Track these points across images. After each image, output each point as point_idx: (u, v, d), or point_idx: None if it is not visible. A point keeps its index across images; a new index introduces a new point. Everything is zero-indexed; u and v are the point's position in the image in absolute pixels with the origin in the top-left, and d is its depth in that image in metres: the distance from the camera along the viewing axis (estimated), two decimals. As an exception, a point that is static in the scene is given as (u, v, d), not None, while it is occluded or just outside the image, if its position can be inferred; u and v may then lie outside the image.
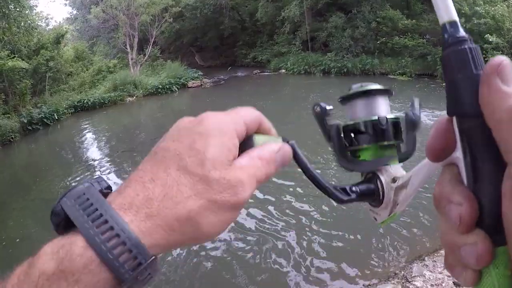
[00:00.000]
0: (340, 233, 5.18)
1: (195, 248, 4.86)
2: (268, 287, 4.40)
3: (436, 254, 4.58)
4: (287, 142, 0.41)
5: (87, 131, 12.17)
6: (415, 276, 4.18)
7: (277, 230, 5.39)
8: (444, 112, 0.31)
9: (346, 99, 0.46)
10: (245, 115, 0.38)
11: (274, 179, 6.10)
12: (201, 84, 17.86)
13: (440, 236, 0.30)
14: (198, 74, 18.76)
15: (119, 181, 7.89)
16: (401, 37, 14.62)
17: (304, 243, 5.08)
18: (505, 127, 0.24)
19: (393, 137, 0.43)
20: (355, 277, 4.40)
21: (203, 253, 4.94)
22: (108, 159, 9.25)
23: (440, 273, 4.18)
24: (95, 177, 0.35)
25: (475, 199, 0.27)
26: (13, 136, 11.11)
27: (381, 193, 0.43)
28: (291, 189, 6.52)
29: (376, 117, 0.43)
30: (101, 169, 8.54)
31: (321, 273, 4.50)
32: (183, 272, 4.59)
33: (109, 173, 8.34)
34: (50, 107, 13.07)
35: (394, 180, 0.42)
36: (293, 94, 14.17)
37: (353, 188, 0.42)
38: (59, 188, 7.69)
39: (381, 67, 15.08)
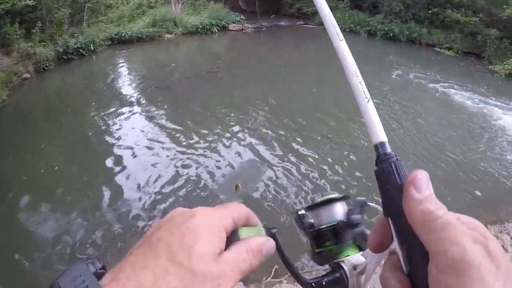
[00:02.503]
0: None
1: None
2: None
3: None
4: (270, 230, 0.45)
5: (122, 64, 11.81)
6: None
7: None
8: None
9: (311, 208, 0.55)
10: (234, 211, 0.41)
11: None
12: (242, 29, 17.12)
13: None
14: (240, 18, 17.96)
15: (148, 116, 7.50)
16: (453, 11, 13.85)
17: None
18: (419, 226, 0.33)
19: (349, 235, 0.52)
20: None
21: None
22: (140, 94, 8.84)
23: None
24: (91, 257, 0.36)
25: (407, 282, 0.35)
26: (47, 65, 10.85)
27: (345, 279, 0.51)
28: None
29: (335, 222, 0.52)
30: (133, 104, 8.15)
31: None
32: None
33: (139, 108, 7.93)
34: (87, 37, 12.66)
35: (354, 267, 0.51)
36: (333, 51, 13.21)
37: (325, 279, 0.50)
38: (90, 119, 7.40)
39: (429, 38, 14.50)
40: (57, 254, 4.07)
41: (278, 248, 0.44)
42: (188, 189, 5.11)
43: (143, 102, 8.33)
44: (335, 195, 0.54)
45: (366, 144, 6.15)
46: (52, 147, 6.52)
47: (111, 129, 6.94)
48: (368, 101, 0.41)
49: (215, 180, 5.30)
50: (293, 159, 5.83)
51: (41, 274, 3.81)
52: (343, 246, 0.52)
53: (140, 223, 4.50)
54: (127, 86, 9.59)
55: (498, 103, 8.80)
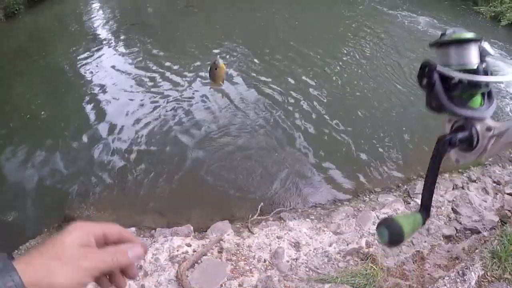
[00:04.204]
0: (352, 133, 5.00)
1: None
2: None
3: (440, 176, 4.43)
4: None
5: (94, 2, 11.31)
6: (417, 193, 4.11)
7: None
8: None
9: (440, 45, 0.50)
10: (106, 226, 0.56)
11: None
12: None
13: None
14: None
15: (127, 52, 7.40)
16: None
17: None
18: None
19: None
20: (358, 180, 4.30)
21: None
22: (115, 32, 8.63)
23: (442, 196, 4.10)
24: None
25: None
26: (17, 8, 10.36)
27: (475, 140, 0.48)
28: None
29: (475, 67, 0.46)
30: (108, 42, 7.98)
31: (326, 170, 4.41)
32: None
33: (115, 46, 7.78)
34: (56, -25, 11.87)
35: (489, 129, 0.47)
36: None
37: (458, 136, 0.49)
38: (65, 60, 7.30)
39: None
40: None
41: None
42: (163, 125, 5.15)
43: (119, 40, 8.18)
44: (470, 34, 0.49)
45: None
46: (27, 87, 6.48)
47: (88, 71, 6.85)
48: None
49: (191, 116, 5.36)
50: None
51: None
52: (474, 94, 0.49)
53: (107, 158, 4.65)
54: (101, 25, 9.32)
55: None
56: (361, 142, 4.82)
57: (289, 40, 7.60)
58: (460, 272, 2.37)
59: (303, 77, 6.18)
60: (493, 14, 10.85)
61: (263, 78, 6.13)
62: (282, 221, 3.61)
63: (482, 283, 2.45)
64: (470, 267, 2.42)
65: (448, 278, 2.36)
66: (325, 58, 6.86)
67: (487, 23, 10.65)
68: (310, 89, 5.87)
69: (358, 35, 8.00)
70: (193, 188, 4.13)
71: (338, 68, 6.58)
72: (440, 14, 10.45)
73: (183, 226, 3.49)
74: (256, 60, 6.77)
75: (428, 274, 3.07)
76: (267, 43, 7.47)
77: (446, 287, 2.24)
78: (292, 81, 6.09)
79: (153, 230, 3.49)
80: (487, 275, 2.47)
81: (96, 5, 11.00)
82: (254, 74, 6.35)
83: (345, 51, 7.25)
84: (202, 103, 5.57)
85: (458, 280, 2.34)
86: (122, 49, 7.62)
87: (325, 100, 5.63)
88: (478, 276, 2.45)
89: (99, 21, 9.56)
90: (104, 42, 8.03)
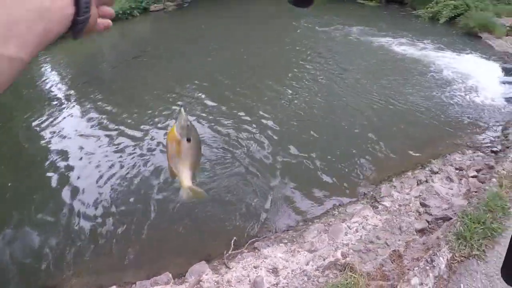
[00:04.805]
0: (312, 154, 5.17)
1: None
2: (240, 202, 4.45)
3: (403, 176, 4.65)
4: None
5: (47, 65, 11.22)
6: (383, 196, 4.22)
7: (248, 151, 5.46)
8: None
9: None
10: None
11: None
12: (164, 8, 16.61)
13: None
14: None
15: (83, 112, 7.43)
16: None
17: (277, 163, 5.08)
18: None
19: None
20: (325, 197, 4.42)
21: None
22: (70, 93, 8.65)
23: (408, 193, 4.23)
24: None
25: None
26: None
27: None
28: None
29: None
30: (63, 104, 7.96)
31: (292, 194, 4.51)
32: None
33: (71, 107, 7.75)
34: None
35: None
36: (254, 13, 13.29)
37: None
38: (21, 130, 7.18)
39: None
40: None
41: None
42: (125, 179, 5.14)
43: (74, 101, 8.14)
44: None
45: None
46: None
47: (46, 137, 6.72)
48: None
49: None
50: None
51: None
52: None
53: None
54: (55, 87, 9.25)
55: (423, 45, 9.45)
56: (321, 161, 5.08)
57: (239, 76, 7.87)
58: (429, 259, 2.41)
59: (257, 109, 6.46)
60: (431, 15, 11.66)
61: (218, 118, 6.33)
62: (257, 250, 3.61)
63: (453, 264, 2.50)
64: (437, 253, 2.47)
65: (417, 268, 2.39)
66: (275, 87, 7.15)
67: (426, 24, 11.45)
68: (263, 120, 6.16)
69: (302, 58, 8.41)
70: (165, 234, 4.17)
71: (289, 95, 6.89)
72: (379, 24, 11.14)
73: (162, 275, 3.52)
74: (209, 102, 6.99)
75: (408, 269, 3.09)
76: (217, 82, 7.77)
77: (417, 277, 2.27)
78: (247, 116, 6.32)
79: (134, 285, 3.48)
80: (456, 256, 2.53)
81: (47, 67, 10.91)
82: (206, 115, 6.53)
83: (293, 77, 7.59)
84: (159, 152, 5.63)
85: (427, 267, 2.38)
86: (77, 110, 7.60)
87: (279, 128, 5.91)
88: (447, 259, 2.50)
89: (52, 83, 9.50)
90: (59, 104, 8.00)
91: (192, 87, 7.72)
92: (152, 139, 6.03)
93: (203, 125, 6.17)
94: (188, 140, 0.91)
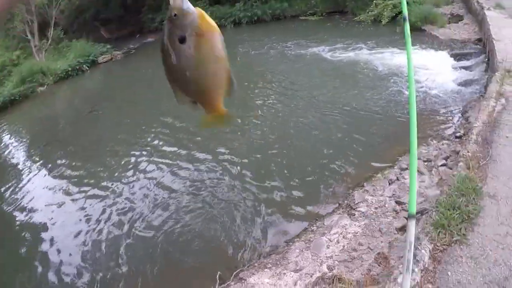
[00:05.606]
0: (280, 178, 5.19)
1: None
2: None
3: (373, 179, 4.68)
4: None
5: (5, 133, 11.01)
6: (358, 202, 4.23)
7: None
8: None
9: None
10: None
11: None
12: (112, 58, 16.92)
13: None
14: (107, 48, 17.59)
15: (47, 176, 7.21)
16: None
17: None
18: None
19: None
20: (301, 215, 4.42)
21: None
22: (31, 158, 8.43)
23: (381, 195, 4.25)
24: None
25: None
26: None
27: None
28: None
29: None
30: (25, 171, 7.64)
31: (268, 218, 4.51)
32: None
33: (34, 173, 7.41)
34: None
35: None
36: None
37: None
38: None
39: (292, 10, 15.47)
40: None
41: None
42: (98, 235, 4.97)
43: (36, 165, 7.89)
44: None
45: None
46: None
47: (12, 209, 6.34)
48: None
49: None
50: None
51: None
52: None
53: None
54: (15, 153, 9.02)
55: (368, 47, 9.85)
56: (291, 182, 5.03)
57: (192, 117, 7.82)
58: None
59: (214, 147, 6.44)
60: (373, 18, 12.15)
61: (180, 163, 6.24)
62: (243, 280, 3.50)
63: (436, 255, 2.46)
64: (418, 247, 2.44)
65: (402, 265, 2.34)
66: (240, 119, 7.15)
67: (370, 27, 11.90)
68: (224, 156, 6.11)
69: (257, 86, 8.46)
70: (150, 279, 3.94)
71: (245, 126, 6.86)
72: (323, 37, 11.53)
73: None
74: (166, 148, 6.97)
75: (396, 269, 3.03)
76: (170, 127, 7.76)
77: (402, 275, 2.21)
78: (208, 155, 6.27)
79: None
80: (438, 246, 2.50)
81: (5, 134, 10.73)
82: (169, 161, 6.44)
83: (253, 107, 7.63)
84: (128, 202, 5.49)
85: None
86: (40, 176, 7.34)
87: (240, 160, 5.86)
88: (429, 251, 2.46)
89: (11, 150, 9.26)
90: (21, 172, 7.75)
91: (151, 135, 7.69)
92: (119, 189, 5.90)
93: (166, 173, 6.07)
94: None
